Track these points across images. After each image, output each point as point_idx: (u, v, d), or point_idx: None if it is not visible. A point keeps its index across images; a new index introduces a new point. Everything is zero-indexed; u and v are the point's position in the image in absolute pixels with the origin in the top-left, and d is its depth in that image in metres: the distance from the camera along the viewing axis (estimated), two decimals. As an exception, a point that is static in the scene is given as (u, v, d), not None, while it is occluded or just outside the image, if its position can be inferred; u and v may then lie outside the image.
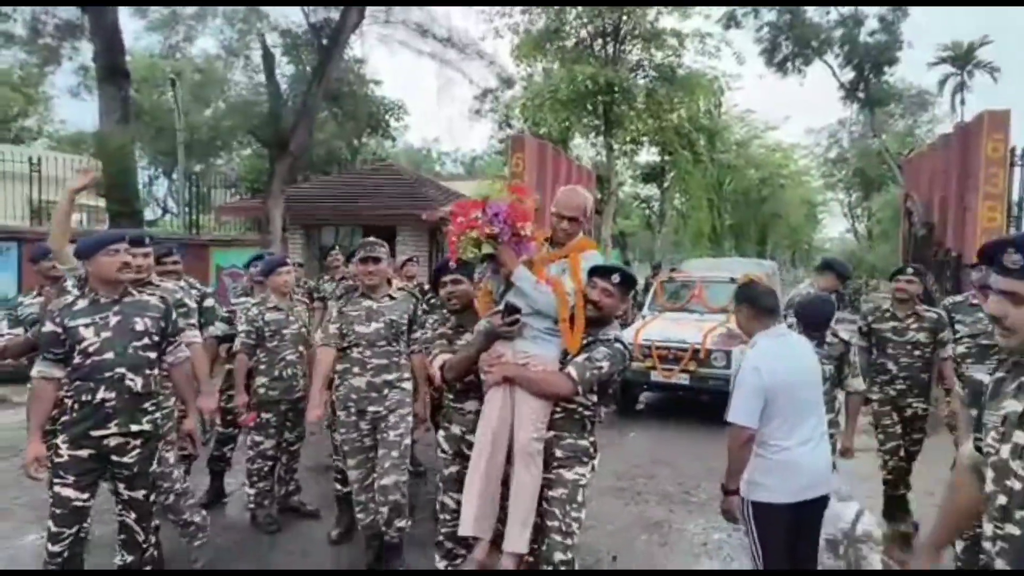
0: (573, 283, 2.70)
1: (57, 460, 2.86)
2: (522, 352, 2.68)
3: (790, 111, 69.87)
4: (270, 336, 4.13)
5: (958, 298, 4.73)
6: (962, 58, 30.54)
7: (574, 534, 2.63)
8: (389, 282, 3.83)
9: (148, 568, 3.09)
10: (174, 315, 3.12)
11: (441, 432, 3.07)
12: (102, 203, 11.22)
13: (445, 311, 3.25)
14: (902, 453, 4.30)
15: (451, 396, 3.03)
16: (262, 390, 4.13)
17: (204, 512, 3.63)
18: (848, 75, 23.96)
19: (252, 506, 4.20)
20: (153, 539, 3.12)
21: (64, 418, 2.87)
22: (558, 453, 2.66)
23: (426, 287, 5.13)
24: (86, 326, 2.83)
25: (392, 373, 3.61)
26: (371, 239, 3.75)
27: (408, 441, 3.58)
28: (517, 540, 2.57)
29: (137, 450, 2.89)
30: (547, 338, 2.69)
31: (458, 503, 2.91)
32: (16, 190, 13.05)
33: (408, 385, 3.65)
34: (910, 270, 4.46)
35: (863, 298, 24.67)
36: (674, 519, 4.55)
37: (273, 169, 10.53)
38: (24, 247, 8.85)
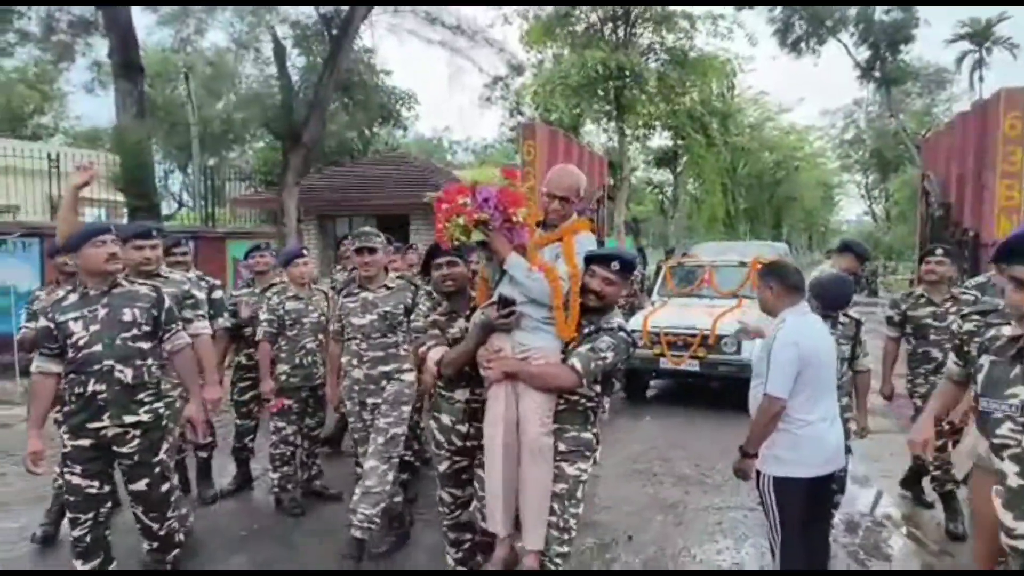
0: (567, 267, 2.59)
1: (63, 451, 2.92)
2: (521, 345, 2.58)
3: (804, 92, 68.94)
4: (290, 325, 4.21)
5: (980, 279, 4.58)
6: (980, 35, 29.91)
7: (571, 530, 2.60)
8: (387, 271, 3.78)
9: (173, 555, 3.13)
10: (167, 303, 3.08)
11: (432, 423, 2.96)
12: (120, 197, 11.37)
13: (437, 295, 3.10)
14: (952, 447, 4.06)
15: (440, 384, 2.91)
16: (283, 377, 4.22)
17: (184, 510, 3.66)
18: (864, 54, 23.64)
19: (276, 490, 4.30)
20: (176, 525, 3.13)
21: (65, 410, 2.93)
22: (561, 447, 2.60)
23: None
24: (75, 320, 2.85)
25: (390, 364, 3.55)
26: (366, 229, 3.71)
27: (398, 431, 3.51)
28: (536, 537, 2.55)
29: (136, 440, 2.90)
30: (546, 328, 2.58)
31: (454, 497, 2.94)
32: (36, 186, 13.27)
33: (408, 376, 3.58)
34: (940, 251, 4.24)
35: (880, 280, 24.46)
36: (689, 500, 4.59)
37: (287, 161, 10.61)
38: (45, 242, 9.02)
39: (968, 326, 3.18)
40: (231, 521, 4.20)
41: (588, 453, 2.64)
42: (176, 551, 3.15)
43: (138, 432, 2.90)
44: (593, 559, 3.70)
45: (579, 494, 2.61)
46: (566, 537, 2.59)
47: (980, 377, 1.65)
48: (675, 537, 4.00)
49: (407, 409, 3.56)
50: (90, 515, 2.91)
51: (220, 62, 22.96)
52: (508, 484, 2.57)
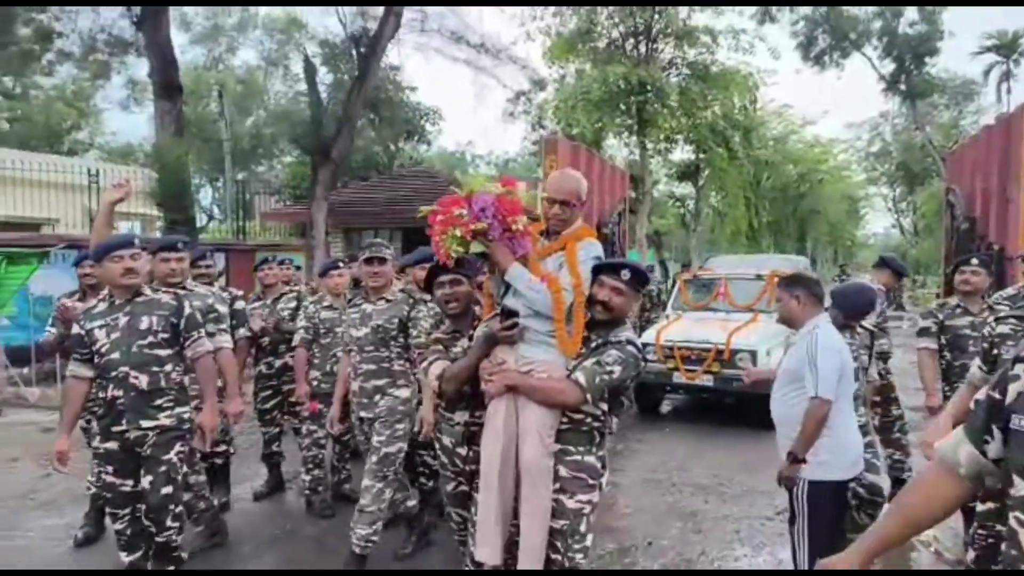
0: (571, 277, 2.43)
1: (96, 451, 3.12)
2: (525, 358, 2.44)
3: (829, 105, 68.29)
4: (324, 333, 4.38)
5: (1010, 291, 4.55)
6: (1007, 47, 29.48)
7: (579, 565, 2.44)
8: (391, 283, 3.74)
9: (170, 569, 3.13)
10: (188, 310, 3.15)
11: (437, 444, 2.86)
12: (154, 211, 11.77)
13: (440, 314, 2.99)
14: None
15: (442, 405, 2.78)
16: (315, 383, 4.39)
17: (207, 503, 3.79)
18: (888, 67, 23.50)
19: (307, 492, 4.48)
20: (176, 539, 3.09)
21: (97, 413, 3.13)
22: (562, 472, 2.42)
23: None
24: (100, 327, 3.01)
25: (382, 379, 3.49)
26: (376, 240, 3.71)
27: (392, 450, 3.45)
28: (534, 559, 2.38)
29: (154, 438, 3.02)
30: (552, 342, 2.44)
31: (462, 517, 2.80)
32: (76, 199, 13.79)
33: (402, 392, 3.50)
34: (975, 260, 4.10)
35: (907, 295, 24.11)
36: (708, 509, 4.66)
37: (316, 176, 10.91)
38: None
39: (1002, 328, 3.07)
40: (265, 522, 4.39)
41: (592, 481, 2.46)
42: (171, 567, 3.12)
43: (157, 432, 3.03)
44: (612, 563, 3.80)
45: (583, 528, 2.44)
46: (575, 570, 2.44)
47: (1015, 389, 1.41)
48: (694, 543, 4.08)
49: (401, 427, 3.49)
50: (127, 510, 3.08)
51: (250, 80, 23.66)
52: (502, 507, 2.41)
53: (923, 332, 4.13)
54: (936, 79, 25.20)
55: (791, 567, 3.61)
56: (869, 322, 4.11)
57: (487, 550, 2.40)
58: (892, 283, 4.41)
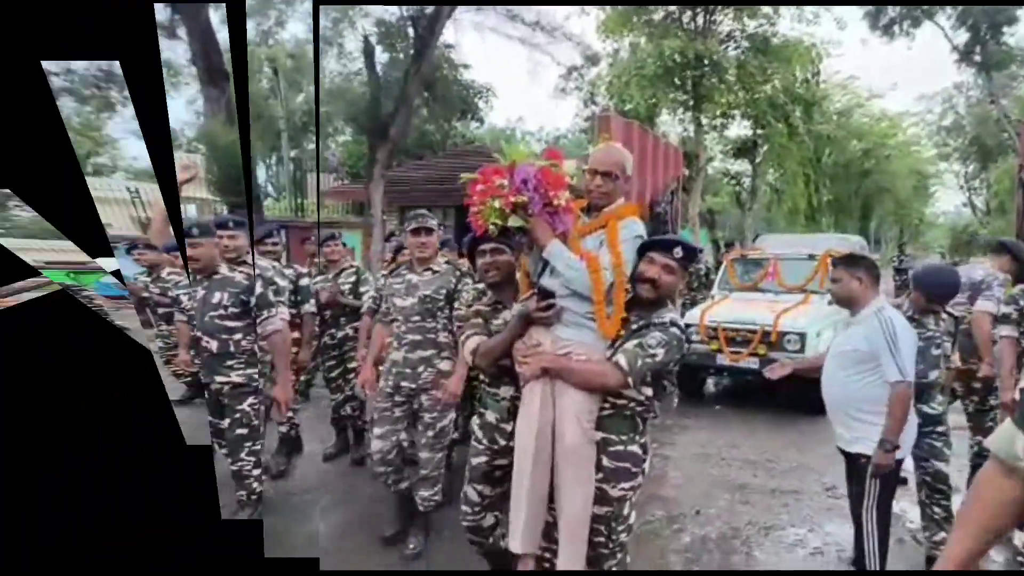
0: (611, 256, 2.32)
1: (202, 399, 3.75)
2: (562, 340, 2.36)
3: (898, 77, 64.79)
4: (388, 304, 4.62)
5: None
6: (1098, 11, 27.44)
7: (624, 544, 2.43)
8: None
9: (245, 506, 3.57)
10: (259, 289, 3.52)
11: (475, 419, 2.79)
12: (207, 195, 12.19)
13: (482, 285, 2.95)
14: None
15: (486, 380, 2.73)
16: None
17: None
18: (962, 37, 22.29)
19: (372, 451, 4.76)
20: (250, 467, 3.53)
21: None
22: (604, 462, 2.34)
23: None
24: (187, 296, 3.72)
25: (427, 350, 3.49)
26: (421, 211, 3.67)
27: (446, 422, 3.50)
28: (574, 557, 2.31)
29: (228, 391, 3.54)
30: (591, 324, 2.34)
31: (482, 496, 2.70)
32: (123, 211, 14.38)
33: (445, 365, 3.50)
34: None
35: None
36: (757, 482, 4.75)
37: (373, 155, 11.19)
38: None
39: None
40: (336, 480, 4.71)
41: (635, 469, 2.39)
42: (244, 492, 3.54)
43: (230, 387, 3.55)
44: (661, 529, 3.96)
45: (626, 511, 2.41)
46: (619, 555, 2.44)
47: None
48: (740, 514, 4.19)
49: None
50: None
51: (301, 55, 23.98)
52: (534, 495, 2.33)
53: (1004, 319, 3.88)
54: (1015, 49, 23.72)
55: (838, 540, 3.73)
56: (988, 308, 3.99)
57: (519, 539, 2.35)
58: (1013, 270, 4.15)
